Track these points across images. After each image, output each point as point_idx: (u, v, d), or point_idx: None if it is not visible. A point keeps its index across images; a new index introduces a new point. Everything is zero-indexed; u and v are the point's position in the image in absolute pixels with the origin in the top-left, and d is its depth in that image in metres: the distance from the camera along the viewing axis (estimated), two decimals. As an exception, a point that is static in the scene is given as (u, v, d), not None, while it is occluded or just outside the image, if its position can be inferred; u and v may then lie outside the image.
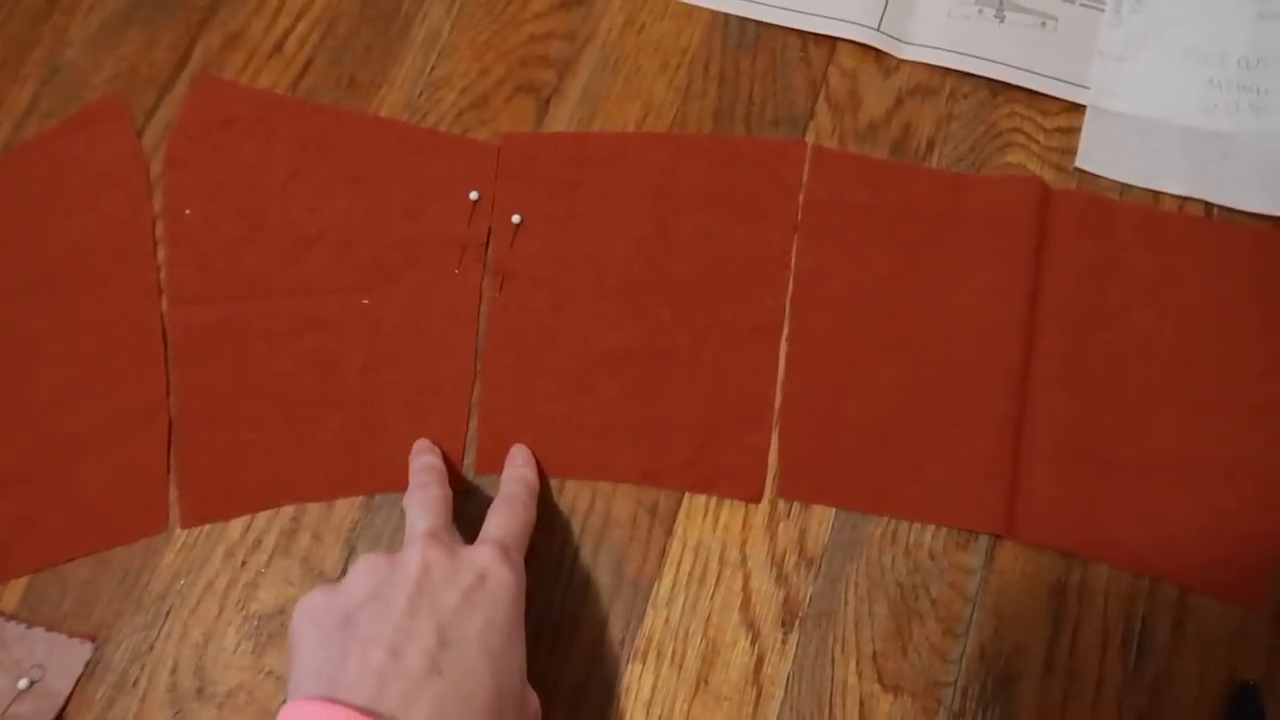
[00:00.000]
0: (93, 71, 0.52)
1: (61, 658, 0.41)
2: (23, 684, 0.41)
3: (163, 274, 0.47)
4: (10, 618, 0.42)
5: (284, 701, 0.34)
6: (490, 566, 0.35)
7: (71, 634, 0.42)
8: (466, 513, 0.42)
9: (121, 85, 0.51)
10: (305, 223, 0.48)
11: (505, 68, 0.51)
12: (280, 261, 0.47)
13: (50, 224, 0.48)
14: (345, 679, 0.30)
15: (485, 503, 0.42)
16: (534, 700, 0.35)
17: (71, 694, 0.41)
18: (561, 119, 0.50)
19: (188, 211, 0.48)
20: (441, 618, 0.32)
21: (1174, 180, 0.47)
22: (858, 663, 0.41)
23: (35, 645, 0.41)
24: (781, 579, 0.42)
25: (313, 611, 0.34)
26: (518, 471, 0.42)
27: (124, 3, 0.52)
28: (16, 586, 0.43)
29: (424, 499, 0.39)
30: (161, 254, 0.48)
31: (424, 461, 0.42)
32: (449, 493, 0.39)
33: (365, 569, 0.34)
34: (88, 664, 0.41)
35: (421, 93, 0.51)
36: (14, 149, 0.50)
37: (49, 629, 0.42)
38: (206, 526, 0.44)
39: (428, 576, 0.33)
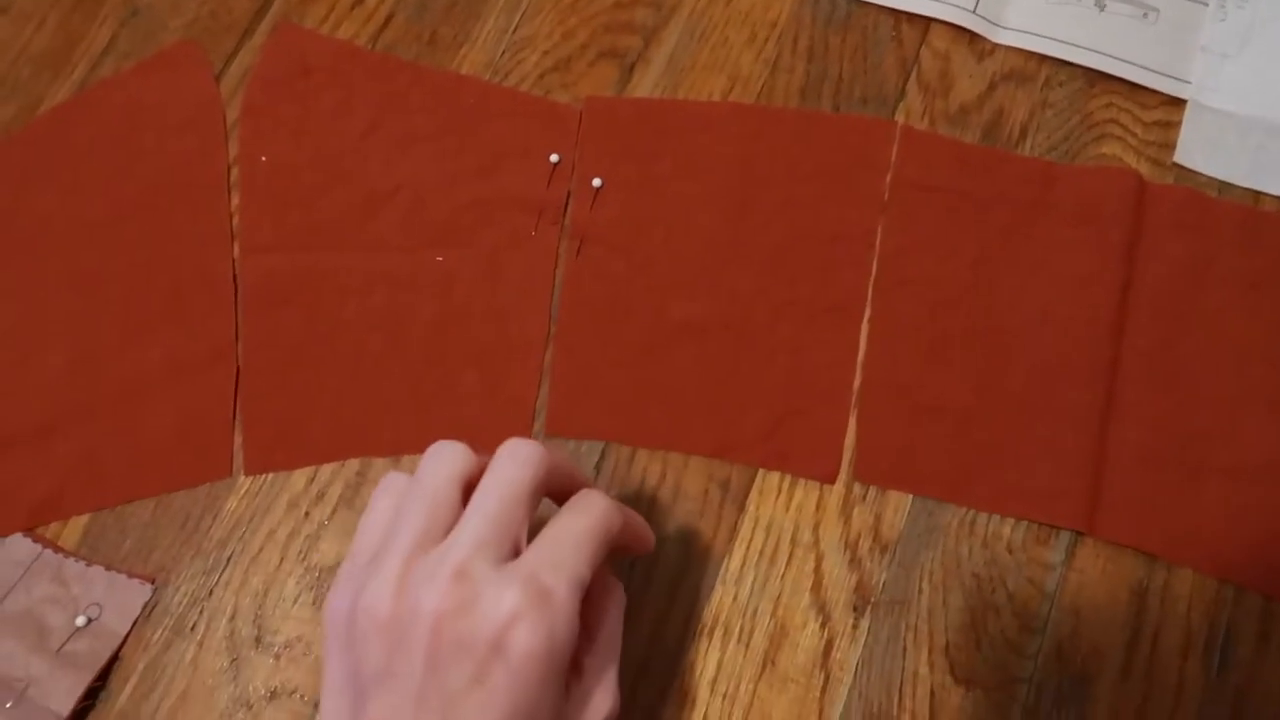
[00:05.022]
0: (171, 15, 0.51)
1: (120, 598, 0.41)
2: (80, 621, 0.40)
3: (236, 220, 0.47)
4: (69, 554, 0.42)
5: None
6: (512, 627, 0.27)
7: (131, 575, 0.41)
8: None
9: (200, 30, 0.51)
10: (381, 177, 0.47)
11: (589, 32, 0.50)
12: (355, 215, 0.47)
13: (124, 164, 0.48)
14: None
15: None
16: None
17: (128, 635, 0.40)
18: (645, 87, 0.49)
19: (264, 159, 0.48)
20: (448, 711, 0.27)
21: (1275, 180, 0.46)
22: (930, 653, 0.40)
23: (94, 584, 0.41)
24: (855, 563, 0.41)
25: (338, 642, 0.30)
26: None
27: (208, -54, 0.52)
28: (77, 525, 0.42)
29: (518, 464, 0.30)
30: (235, 200, 0.47)
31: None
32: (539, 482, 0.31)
33: (377, 610, 0.28)
34: (145, 606, 0.41)
35: (504, 52, 0.50)
36: (91, 87, 0.50)
37: (108, 568, 0.41)
38: (270, 475, 0.43)
39: (440, 645, 0.27)
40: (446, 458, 0.31)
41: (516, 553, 0.29)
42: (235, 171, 0.48)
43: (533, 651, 0.27)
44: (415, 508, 0.30)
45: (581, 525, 0.30)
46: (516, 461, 0.30)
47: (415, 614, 0.28)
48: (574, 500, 0.31)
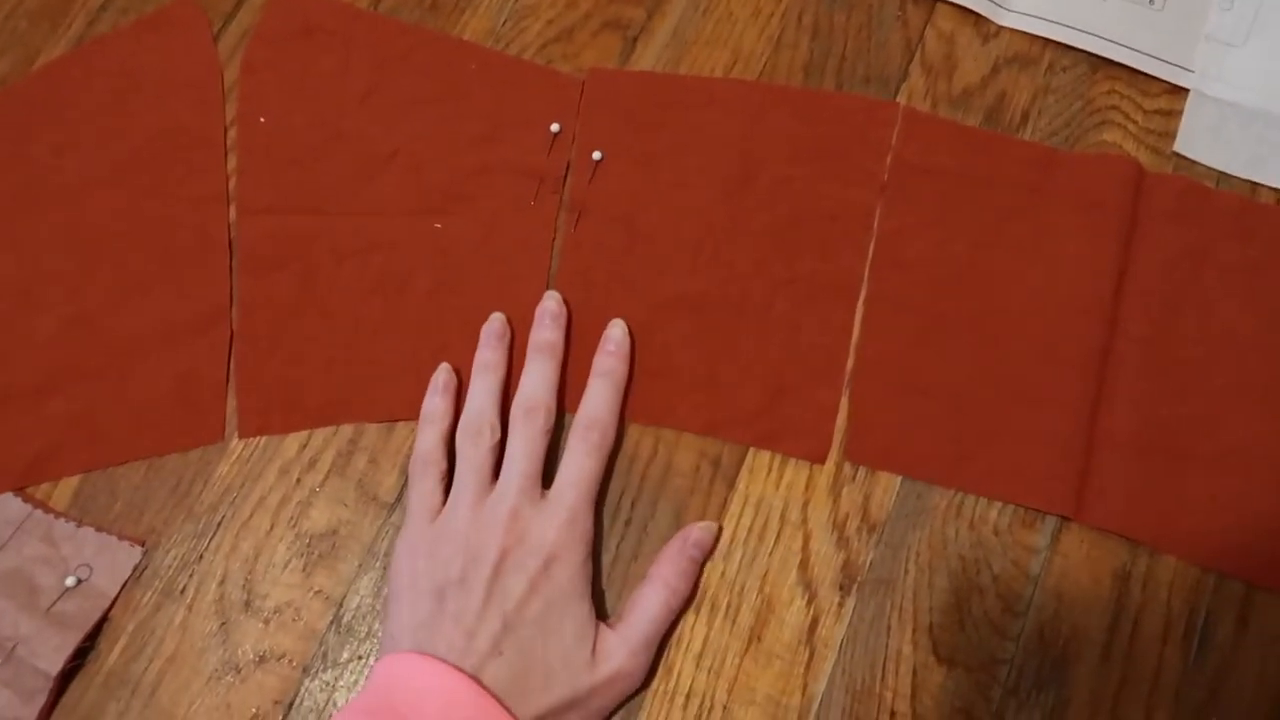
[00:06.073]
0: (171, -29, 0.50)
1: (109, 559, 0.41)
2: (70, 582, 0.40)
3: (233, 182, 0.47)
4: (60, 515, 0.42)
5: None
6: (557, 549, 0.38)
7: (121, 537, 0.41)
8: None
9: (200, -13, 0.50)
10: (380, 141, 0.47)
11: (593, 2, 0.50)
12: (352, 178, 0.46)
13: (120, 123, 0.47)
14: (437, 652, 0.36)
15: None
16: (606, 651, 0.38)
17: (118, 596, 0.41)
18: (648, 60, 0.49)
19: (262, 119, 0.47)
20: (507, 607, 0.37)
21: (1273, 172, 0.46)
22: (914, 632, 0.40)
23: (84, 544, 0.41)
24: (842, 542, 0.41)
25: (413, 572, 0.38)
26: (607, 362, 0.43)
27: (209, -99, 0.51)
28: (68, 485, 0.42)
29: (534, 425, 0.40)
30: (232, 161, 0.47)
31: (544, 340, 0.43)
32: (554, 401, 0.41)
33: (455, 541, 0.38)
34: (135, 568, 0.41)
35: (506, 20, 0.49)
36: (87, 43, 0.49)
37: (98, 530, 0.41)
38: (262, 441, 0.43)
39: (504, 563, 0.37)
40: (485, 440, 0.40)
41: (544, 481, 0.40)
42: (233, 132, 0.47)
43: (570, 565, 0.38)
44: (470, 478, 0.40)
45: (590, 464, 0.40)
46: (533, 428, 0.40)
47: (485, 543, 0.38)
48: (580, 439, 0.40)
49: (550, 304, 0.43)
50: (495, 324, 0.44)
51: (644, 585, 0.40)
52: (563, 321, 0.43)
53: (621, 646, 0.38)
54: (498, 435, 0.41)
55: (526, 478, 0.39)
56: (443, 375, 0.43)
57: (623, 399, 0.42)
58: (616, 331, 0.43)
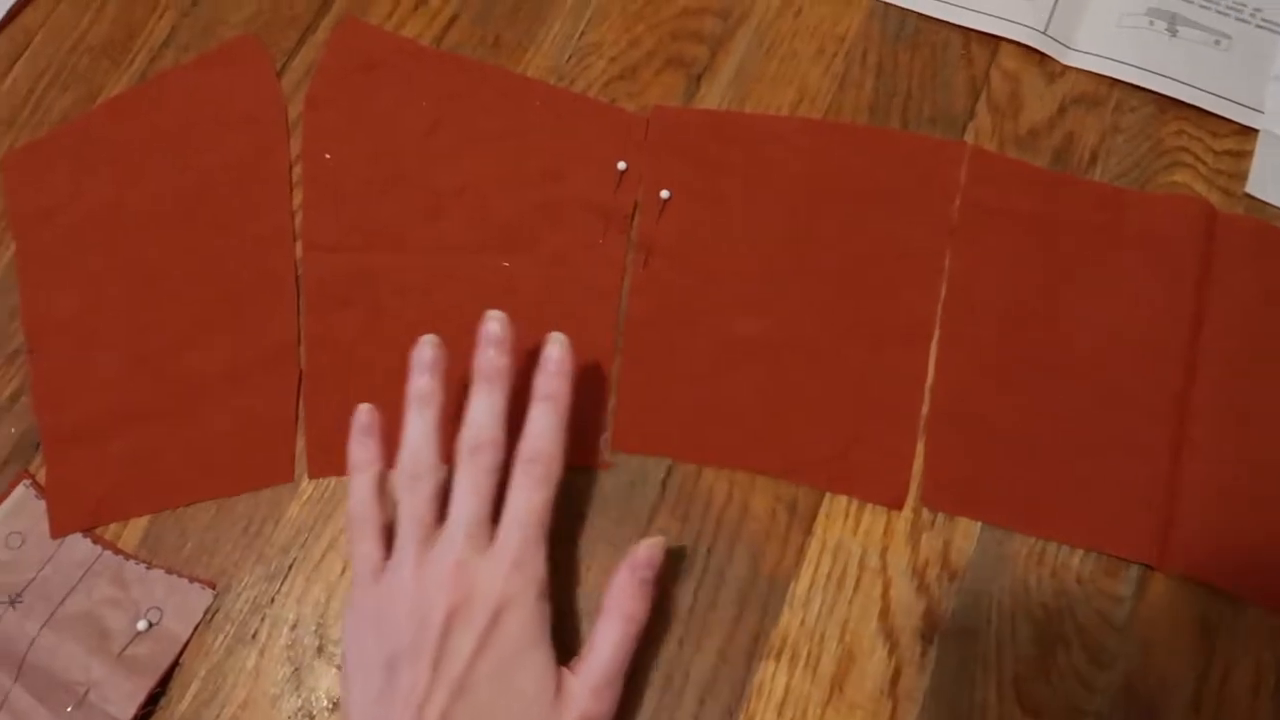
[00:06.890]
0: (233, 9, 0.50)
1: (180, 601, 0.40)
2: (141, 625, 0.40)
3: (299, 218, 0.46)
4: (130, 557, 0.41)
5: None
6: (505, 599, 0.35)
7: (192, 579, 0.41)
8: (602, 491, 0.41)
9: (262, 25, 0.50)
10: (445, 178, 0.47)
11: (656, 40, 0.50)
12: (419, 215, 0.46)
13: (184, 159, 0.47)
14: None
15: (622, 484, 0.41)
16: (569, 696, 0.36)
17: (189, 640, 0.40)
18: (712, 98, 0.48)
19: (328, 156, 0.47)
20: (456, 672, 0.34)
21: (1347, 215, 0.46)
22: (999, 684, 0.40)
23: (154, 587, 0.40)
24: (923, 590, 0.41)
25: (361, 644, 0.36)
26: (549, 384, 0.38)
27: (273, -60, 0.51)
28: (136, 527, 0.42)
29: (481, 463, 0.37)
30: (298, 198, 0.47)
31: (489, 366, 0.38)
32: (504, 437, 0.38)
33: (402, 604, 0.36)
34: (207, 610, 0.40)
35: (569, 58, 0.49)
36: (150, 79, 0.49)
37: (169, 571, 0.41)
38: (333, 482, 0.42)
39: (452, 622, 0.35)
40: (425, 486, 0.37)
41: (495, 519, 0.37)
42: (298, 168, 0.47)
43: (520, 616, 0.35)
44: (412, 531, 0.37)
45: (537, 500, 0.37)
46: (480, 467, 0.37)
47: (432, 603, 0.35)
48: (524, 474, 0.37)
49: (493, 325, 0.39)
50: (426, 349, 0.39)
51: (599, 620, 0.37)
52: (509, 345, 0.39)
53: (583, 689, 0.36)
54: (440, 474, 0.37)
55: (473, 524, 0.36)
56: (364, 417, 0.39)
57: (567, 423, 0.38)
58: (556, 350, 0.39)
